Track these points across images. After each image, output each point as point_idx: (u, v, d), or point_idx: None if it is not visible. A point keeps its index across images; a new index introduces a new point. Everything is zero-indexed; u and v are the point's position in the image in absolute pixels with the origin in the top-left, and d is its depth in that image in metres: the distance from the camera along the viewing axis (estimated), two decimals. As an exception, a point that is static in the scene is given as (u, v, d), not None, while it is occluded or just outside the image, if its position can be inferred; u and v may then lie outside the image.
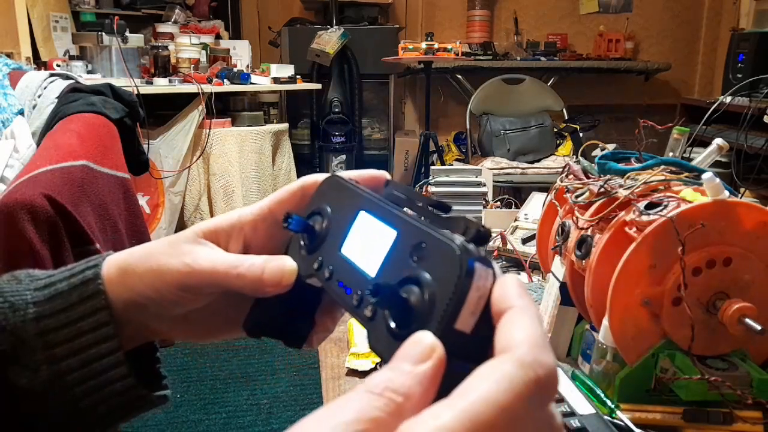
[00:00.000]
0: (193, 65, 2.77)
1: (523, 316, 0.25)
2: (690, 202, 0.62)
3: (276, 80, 2.89)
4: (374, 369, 0.78)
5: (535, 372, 0.23)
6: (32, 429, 0.36)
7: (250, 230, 0.39)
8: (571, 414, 0.54)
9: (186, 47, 2.78)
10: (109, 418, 0.37)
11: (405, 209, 0.31)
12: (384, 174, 0.38)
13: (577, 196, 0.77)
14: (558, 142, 3.32)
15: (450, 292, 0.25)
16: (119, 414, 0.38)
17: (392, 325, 0.27)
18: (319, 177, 0.39)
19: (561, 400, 0.56)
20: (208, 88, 2.61)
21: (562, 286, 0.77)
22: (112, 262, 0.38)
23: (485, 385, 0.22)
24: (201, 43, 2.92)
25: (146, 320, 0.38)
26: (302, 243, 0.37)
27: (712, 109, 1.43)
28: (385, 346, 0.27)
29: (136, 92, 2.20)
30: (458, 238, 0.26)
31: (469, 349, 0.25)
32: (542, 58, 3.67)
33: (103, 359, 0.36)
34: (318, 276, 0.34)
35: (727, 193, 0.62)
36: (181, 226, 2.77)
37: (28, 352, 0.35)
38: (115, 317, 0.37)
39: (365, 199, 0.33)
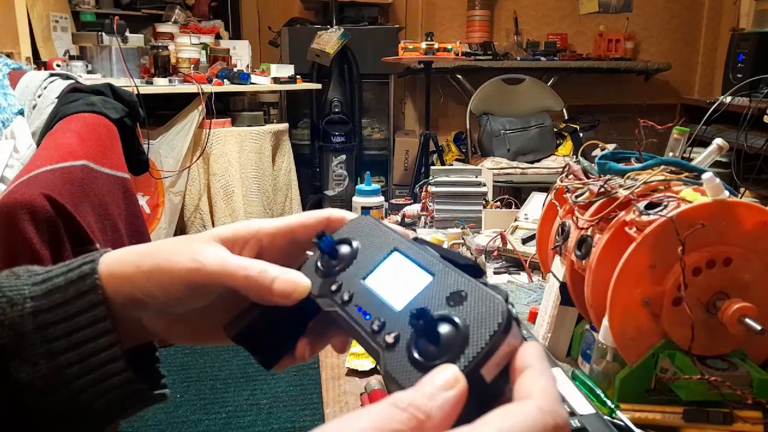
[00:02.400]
0: (193, 65, 2.77)
1: (542, 373, 0.27)
2: (690, 202, 0.62)
3: (276, 80, 2.88)
4: (374, 369, 0.78)
5: (554, 419, 0.25)
6: (32, 424, 0.36)
7: (268, 243, 0.40)
8: (571, 414, 0.54)
9: (186, 47, 2.78)
10: (108, 413, 0.37)
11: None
12: (410, 232, 0.40)
13: (577, 196, 0.77)
14: (558, 142, 3.32)
15: (486, 338, 0.27)
16: (118, 409, 0.38)
17: (416, 355, 0.28)
18: (346, 214, 0.41)
19: (561, 400, 0.56)
20: (208, 88, 2.61)
21: (562, 286, 0.77)
22: (113, 258, 0.38)
23: (508, 420, 0.24)
24: (201, 43, 2.92)
25: (144, 318, 0.38)
26: (320, 264, 0.37)
27: (712, 109, 1.43)
28: (404, 374, 0.28)
29: (136, 92, 2.20)
30: (500, 296, 0.28)
31: (483, 396, 0.26)
32: (542, 58, 3.67)
33: (101, 353, 0.36)
34: (333, 298, 0.35)
35: (727, 193, 0.62)
36: (181, 226, 2.77)
37: (27, 346, 0.35)
38: (113, 312, 0.37)
39: (401, 242, 0.35)
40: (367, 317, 0.32)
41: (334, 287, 0.35)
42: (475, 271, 0.31)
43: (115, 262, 0.38)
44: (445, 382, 0.25)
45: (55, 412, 0.36)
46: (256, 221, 0.40)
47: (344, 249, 0.37)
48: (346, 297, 0.34)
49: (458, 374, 0.26)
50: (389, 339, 0.30)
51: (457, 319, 0.28)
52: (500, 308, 0.27)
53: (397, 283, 0.33)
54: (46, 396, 0.35)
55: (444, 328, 0.28)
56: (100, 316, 0.36)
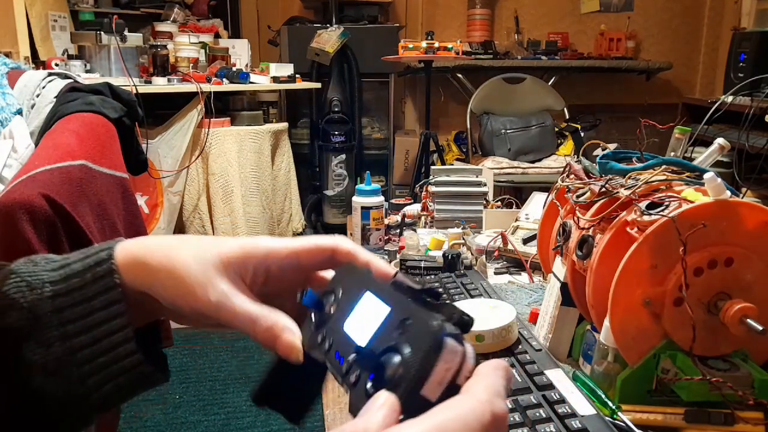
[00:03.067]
0: (192, 64, 2.76)
1: (487, 375, 0.29)
2: (691, 202, 0.62)
3: (275, 79, 2.88)
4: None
5: (492, 409, 0.28)
6: (40, 406, 0.37)
7: (276, 268, 0.41)
8: (572, 415, 0.53)
9: (185, 46, 2.78)
10: (114, 396, 0.39)
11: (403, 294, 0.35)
12: (393, 269, 0.42)
13: (578, 196, 0.77)
14: (559, 141, 3.31)
15: (418, 362, 0.28)
16: (124, 392, 0.39)
17: (368, 386, 0.30)
18: (354, 248, 0.41)
19: (562, 401, 0.56)
20: (207, 88, 2.60)
21: (563, 287, 0.77)
22: (128, 250, 0.39)
23: (447, 411, 0.27)
24: (200, 42, 2.92)
25: (155, 306, 0.40)
26: (313, 318, 0.39)
27: (713, 108, 1.43)
28: (360, 407, 0.29)
29: (134, 92, 2.19)
30: (439, 317, 0.30)
31: None
32: (543, 57, 3.66)
33: (112, 336, 0.38)
34: (320, 349, 0.37)
35: (728, 193, 0.62)
36: (179, 225, 2.76)
37: (42, 328, 0.37)
38: (126, 297, 0.38)
39: (372, 282, 0.38)
40: (342, 362, 0.34)
41: (320, 338, 0.37)
42: (432, 294, 0.33)
43: (130, 255, 0.39)
44: (373, 406, 0.28)
45: (64, 394, 0.37)
46: (264, 243, 0.41)
47: (329, 300, 0.39)
48: (326, 346, 0.36)
49: (387, 396, 0.28)
50: (353, 378, 0.32)
51: (400, 347, 0.30)
52: (431, 329, 0.29)
53: (365, 322, 0.34)
54: (57, 378, 0.37)
55: (389, 358, 0.30)
56: (114, 299, 0.38)
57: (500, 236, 1.14)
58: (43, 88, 1.53)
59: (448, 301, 0.33)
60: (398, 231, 1.35)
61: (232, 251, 0.39)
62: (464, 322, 0.30)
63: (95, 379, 0.37)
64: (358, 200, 1.25)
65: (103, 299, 0.38)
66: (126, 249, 0.39)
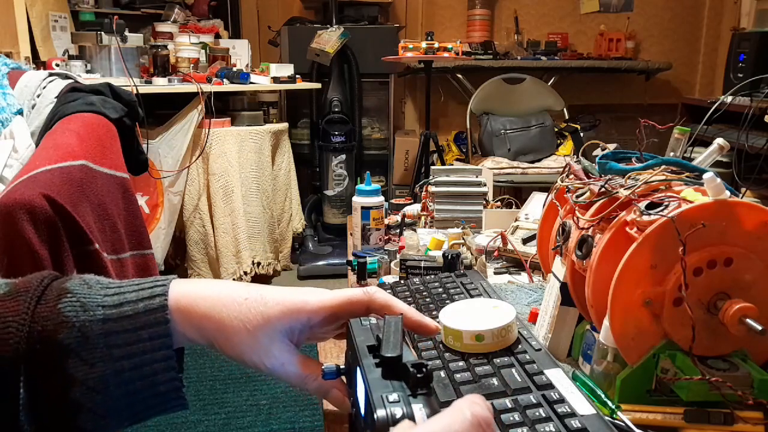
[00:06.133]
0: (192, 65, 2.77)
1: (466, 398, 0.35)
2: (691, 202, 0.62)
3: (275, 80, 2.88)
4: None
5: (471, 410, 0.33)
6: (73, 418, 0.40)
7: (317, 324, 0.46)
8: (572, 414, 0.53)
9: (185, 47, 2.78)
10: (144, 415, 0.42)
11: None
12: (425, 320, 0.50)
13: (577, 196, 0.77)
14: (559, 141, 3.31)
15: None
16: (153, 413, 0.43)
17: None
18: (388, 301, 0.47)
19: (561, 400, 0.56)
20: (208, 88, 2.60)
21: (563, 287, 0.77)
22: (183, 292, 0.43)
23: (436, 422, 0.33)
24: (200, 43, 2.92)
25: (197, 342, 0.44)
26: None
27: (713, 108, 1.43)
28: None
29: (135, 92, 2.19)
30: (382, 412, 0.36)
31: None
32: (543, 58, 3.66)
33: (155, 364, 0.41)
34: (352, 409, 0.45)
35: (728, 193, 0.62)
36: (180, 226, 2.76)
37: (89, 348, 0.39)
38: (172, 331, 0.42)
39: (361, 358, 0.45)
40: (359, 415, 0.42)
41: (351, 399, 0.44)
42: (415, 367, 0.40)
43: (184, 298, 0.43)
44: None
45: (99, 409, 0.40)
46: (312, 300, 0.45)
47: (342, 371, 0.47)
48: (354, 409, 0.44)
49: None
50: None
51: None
52: (377, 422, 0.35)
53: (360, 394, 0.42)
54: (95, 395, 0.39)
55: None
56: (162, 333, 0.41)
57: (500, 236, 1.14)
58: (44, 88, 1.54)
59: (423, 373, 0.39)
60: (398, 231, 1.36)
61: (278, 319, 0.44)
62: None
63: (131, 399, 0.40)
64: (358, 200, 1.25)
65: (151, 331, 0.40)
66: (180, 287, 0.43)
